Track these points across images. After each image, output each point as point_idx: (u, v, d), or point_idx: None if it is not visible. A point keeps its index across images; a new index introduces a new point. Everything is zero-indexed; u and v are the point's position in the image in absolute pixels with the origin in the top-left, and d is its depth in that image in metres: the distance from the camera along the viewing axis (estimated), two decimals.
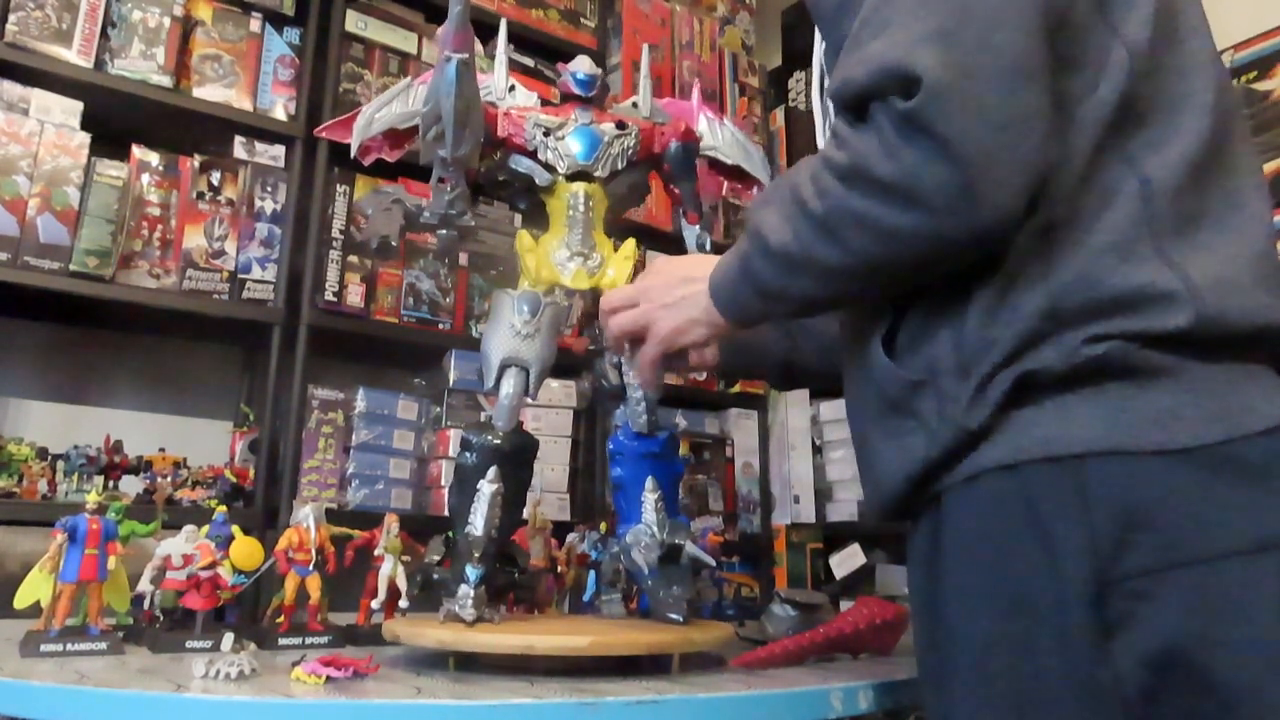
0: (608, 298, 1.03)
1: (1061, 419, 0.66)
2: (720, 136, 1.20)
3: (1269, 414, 0.65)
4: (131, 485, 1.66)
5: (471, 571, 0.99)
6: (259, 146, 1.87)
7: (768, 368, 1.20)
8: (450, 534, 1.06)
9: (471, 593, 0.98)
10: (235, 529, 1.12)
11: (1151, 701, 0.62)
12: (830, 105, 0.75)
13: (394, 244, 1.07)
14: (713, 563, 1.07)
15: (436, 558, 1.07)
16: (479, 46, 2.15)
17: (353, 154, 1.15)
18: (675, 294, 0.92)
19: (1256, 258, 0.68)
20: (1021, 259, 0.69)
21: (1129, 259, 0.66)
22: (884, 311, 0.78)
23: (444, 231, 1.09)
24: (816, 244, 0.73)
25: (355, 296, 1.87)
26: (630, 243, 1.13)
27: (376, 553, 1.17)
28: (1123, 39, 0.69)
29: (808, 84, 2.57)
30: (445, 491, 1.84)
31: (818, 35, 0.87)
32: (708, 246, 1.16)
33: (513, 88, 1.17)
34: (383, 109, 1.12)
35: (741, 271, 0.82)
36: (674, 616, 1.00)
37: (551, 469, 2.03)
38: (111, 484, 1.62)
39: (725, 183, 1.25)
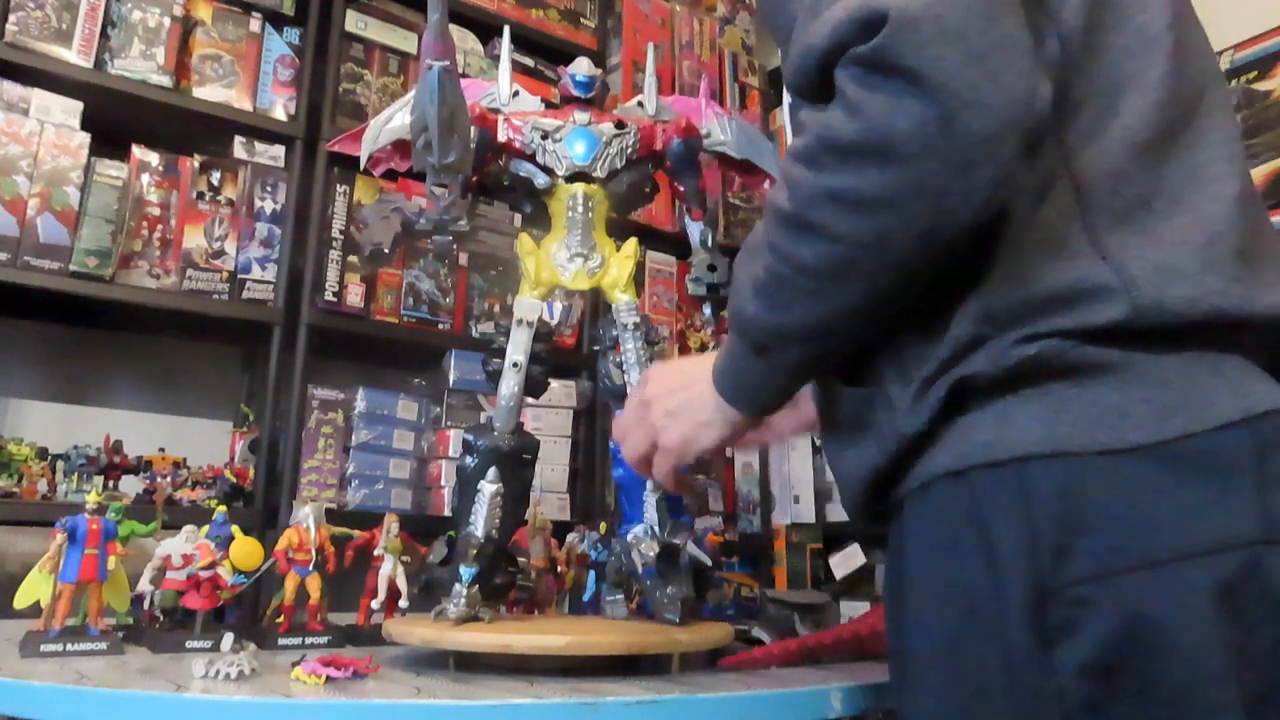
0: (617, 424, 0.95)
1: (1002, 422, 0.63)
2: (729, 131, 1.20)
3: (1230, 408, 0.60)
4: (131, 485, 1.66)
5: (465, 571, 0.99)
6: (259, 146, 1.87)
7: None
8: (452, 534, 1.06)
9: (464, 592, 0.98)
10: (235, 529, 1.12)
11: (1095, 712, 0.59)
12: (791, 105, 0.70)
13: (386, 251, 1.07)
14: (710, 563, 1.07)
15: (439, 558, 1.07)
16: (480, 48, 2.15)
17: (363, 166, 1.15)
18: (678, 399, 0.84)
19: (1210, 241, 0.62)
20: (955, 264, 0.66)
21: (1061, 255, 0.63)
22: None
23: (438, 237, 1.09)
24: (796, 247, 0.66)
25: (355, 296, 1.88)
26: (632, 242, 1.13)
27: (376, 553, 1.17)
28: (1058, 27, 0.65)
29: None
30: (445, 491, 1.86)
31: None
32: (710, 242, 1.16)
33: (516, 93, 1.17)
34: (390, 121, 1.12)
35: (737, 338, 0.75)
36: (669, 617, 1.00)
37: (551, 469, 2.03)
38: (111, 484, 1.63)
39: (725, 178, 1.26)
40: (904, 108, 0.58)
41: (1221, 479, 0.59)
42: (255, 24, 1.90)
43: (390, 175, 1.22)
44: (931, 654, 0.67)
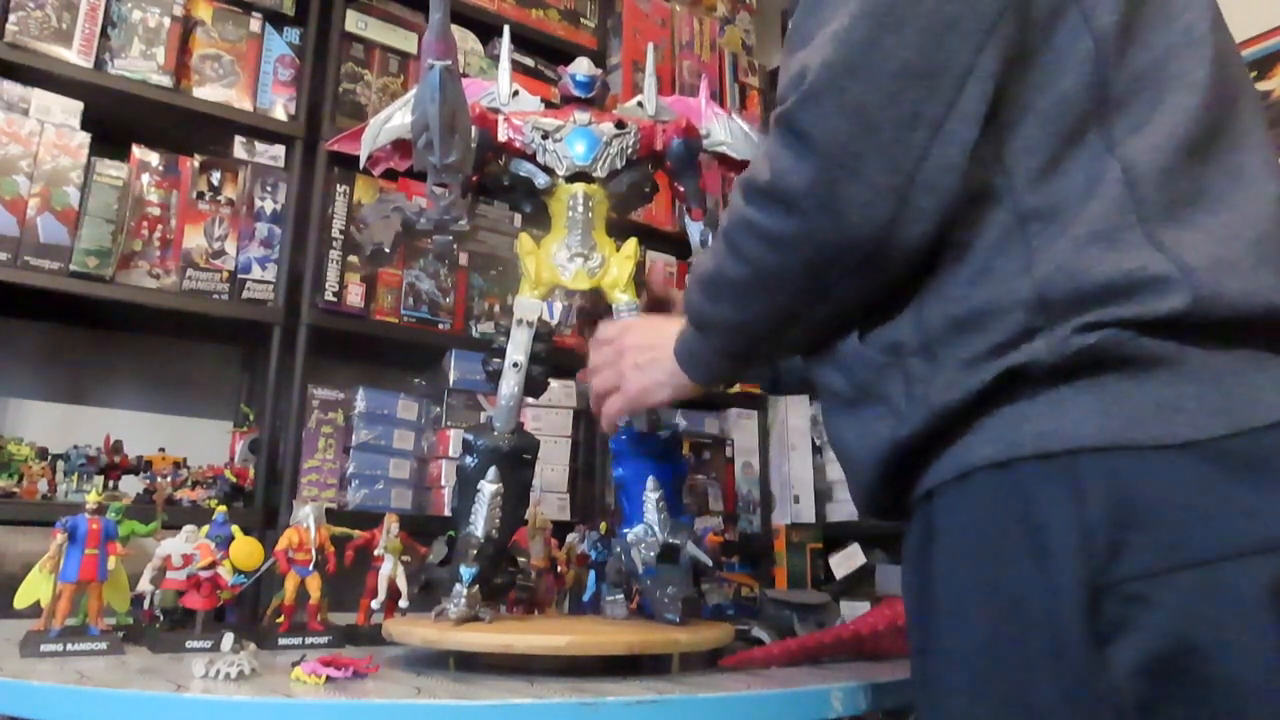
0: (590, 366, 1.04)
1: (1055, 413, 0.63)
2: (731, 131, 1.20)
3: (1278, 406, 0.61)
4: (131, 485, 1.66)
5: (465, 571, 0.99)
6: (259, 146, 1.87)
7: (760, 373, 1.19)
8: (452, 534, 1.06)
9: (465, 592, 0.98)
10: (235, 529, 1.12)
11: (1150, 711, 0.59)
12: None
13: (387, 251, 1.08)
14: (710, 563, 1.07)
15: (439, 558, 1.07)
16: (480, 48, 2.15)
17: (362, 165, 1.15)
18: (646, 356, 0.95)
19: (1260, 238, 0.64)
20: (993, 250, 0.67)
21: (1117, 246, 0.63)
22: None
23: (439, 237, 1.09)
24: (725, 260, 0.76)
25: (355, 296, 1.88)
26: (632, 242, 1.13)
27: (376, 553, 1.17)
28: (1090, 26, 0.67)
29: None
30: (445, 491, 1.86)
31: None
32: (710, 242, 1.17)
33: (516, 92, 1.17)
34: (389, 120, 1.12)
35: (687, 314, 0.85)
36: (669, 617, 1.00)
37: (551, 469, 2.03)
38: (111, 484, 1.63)
39: (725, 178, 1.25)
40: (800, 169, 0.67)
41: (1270, 477, 0.60)
42: (255, 24, 1.90)
43: (390, 175, 1.22)
44: (969, 653, 0.66)
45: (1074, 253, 0.64)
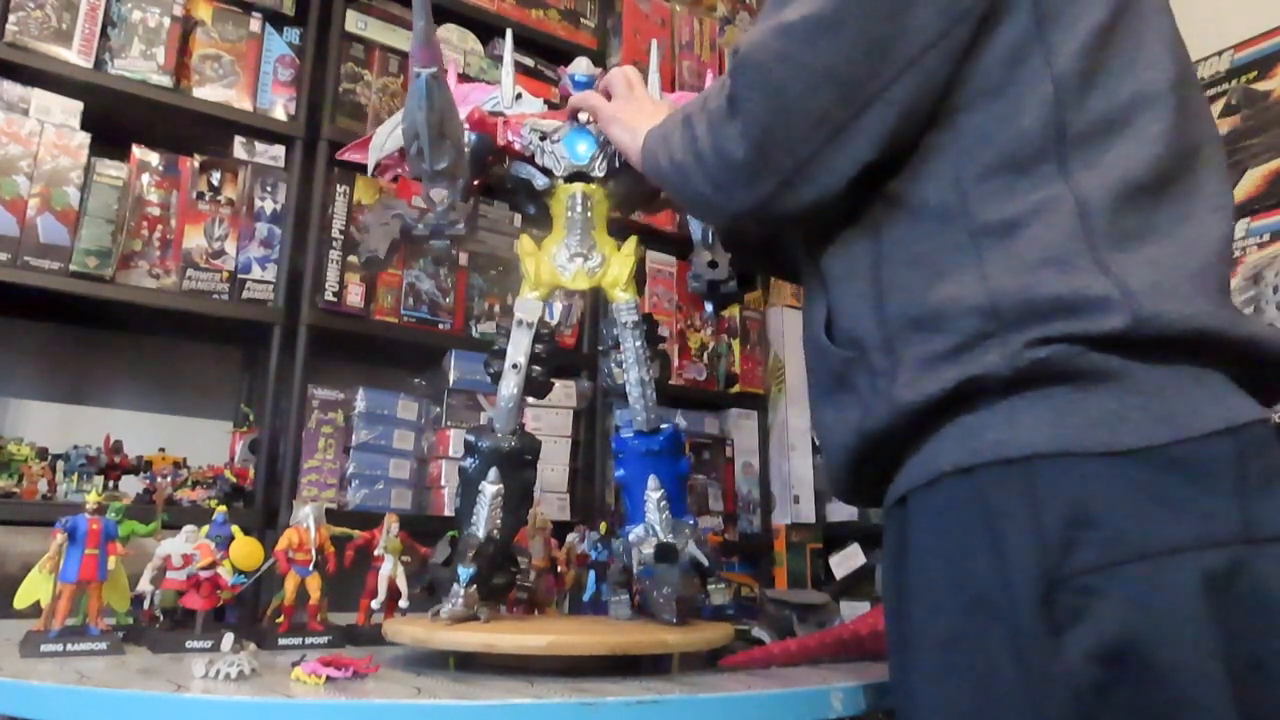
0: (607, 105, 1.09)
1: (1011, 422, 0.68)
2: None
3: (1215, 418, 0.67)
4: (131, 485, 1.66)
5: (463, 571, 0.99)
6: (259, 146, 1.87)
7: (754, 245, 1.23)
8: (454, 534, 1.06)
9: (462, 592, 0.98)
10: (235, 529, 1.12)
11: (1102, 695, 0.63)
12: None
13: (382, 259, 1.07)
14: (707, 563, 1.07)
15: (441, 559, 1.06)
16: (480, 48, 2.16)
17: (370, 173, 1.16)
18: (641, 122, 1.00)
19: (1201, 271, 0.69)
20: (950, 259, 0.72)
21: (1066, 268, 0.68)
22: (821, 294, 0.83)
23: (436, 242, 1.09)
24: (672, 139, 0.86)
25: (355, 296, 1.88)
26: (632, 241, 1.13)
27: (376, 553, 1.18)
28: (1052, 71, 0.72)
29: None
30: (445, 491, 1.86)
31: None
32: (711, 239, 1.17)
33: (520, 95, 1.17)
34: (396, 129, 1.13)
35: (657, 136, 0.93)
36: (666, 617, 1.00)
37: (551, 469, 2.03)
38: (111, 484, 1.63)
39: None
40: (731, 122, 0.77)
41: (1207, 482, 0.65)
42: (255, 24, 1.90)
43: (396, 179, 1.23)
44: (939, 644, 0.71)
45: (1025, 271, 0.69)
